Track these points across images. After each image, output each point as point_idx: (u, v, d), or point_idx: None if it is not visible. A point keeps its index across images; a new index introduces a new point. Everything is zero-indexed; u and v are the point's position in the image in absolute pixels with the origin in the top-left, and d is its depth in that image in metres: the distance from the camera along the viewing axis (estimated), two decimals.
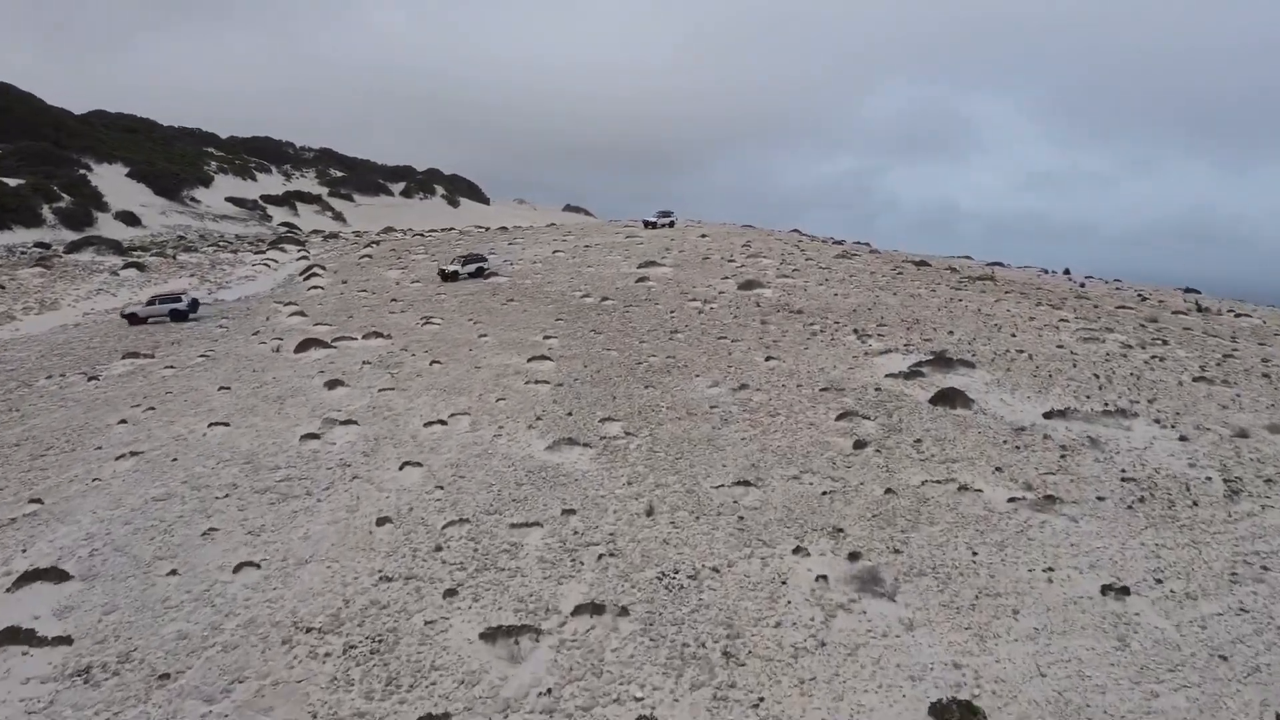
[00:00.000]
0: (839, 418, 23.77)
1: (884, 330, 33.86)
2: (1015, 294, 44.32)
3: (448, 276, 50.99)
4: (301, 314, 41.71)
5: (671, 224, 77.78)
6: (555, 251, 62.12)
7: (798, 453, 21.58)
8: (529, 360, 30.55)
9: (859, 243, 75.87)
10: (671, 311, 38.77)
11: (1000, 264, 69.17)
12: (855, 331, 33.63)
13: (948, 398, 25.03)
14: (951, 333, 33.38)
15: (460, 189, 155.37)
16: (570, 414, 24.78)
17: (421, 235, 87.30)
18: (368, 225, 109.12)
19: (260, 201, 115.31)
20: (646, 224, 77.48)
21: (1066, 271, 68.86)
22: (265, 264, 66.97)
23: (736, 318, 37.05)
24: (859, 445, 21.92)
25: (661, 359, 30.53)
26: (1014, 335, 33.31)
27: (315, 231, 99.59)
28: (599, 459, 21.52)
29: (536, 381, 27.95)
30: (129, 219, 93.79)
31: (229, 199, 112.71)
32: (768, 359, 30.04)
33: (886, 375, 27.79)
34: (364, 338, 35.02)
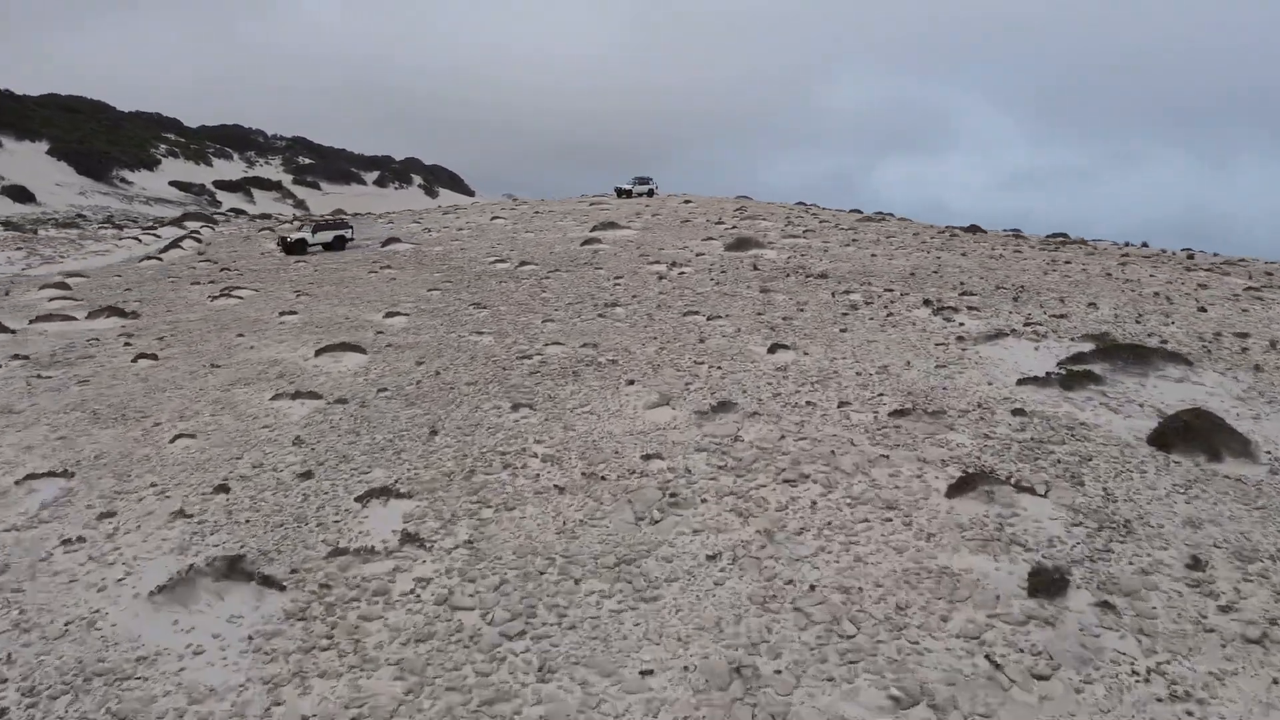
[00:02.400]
0: (956, 489, 9.52)
1: (974, 301, 19.60)
2: (1136, 257, 30.08)
3: (291, 247, 35.65)
4: (63, 286, 27.56)
5: (651, 193, 63.19)
6: (494, 219, 47.86)
7: (871, 609, 7.35)
8: (318, 353, 16.23)
9: (880, 212, 61.54)
10: (617, 278, 24.44)
11: (1063, 234, 54.90)
12: (926, 302, 19.32)
13: (1195, 434, 10.77)
14: (1094, 305, 19.14)
15: (441, 179, 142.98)
16: (310, 474, 10.56)
17: (358, 215, 73.61)
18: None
19: (211, 187, 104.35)
20: (620, 192, 62.82)
21: (1144, 244, 54.68)
22: (136, 239, 53.50)
23: (719, 284, 22.74)
24: (1040, 583, 7.68)
25: (572, 348, 16.23)
26: (1203, 310, 19.12)
27: (263, 215, 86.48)
28: (282, 634, 7.30)
29: (300, 394, 13.65)
30: (20, 195, 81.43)
31: (174, 183, 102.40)
32: (773, 349, 15.76)
33: (1020, 381, 13.55)
34: (89, 316, 20.79)
